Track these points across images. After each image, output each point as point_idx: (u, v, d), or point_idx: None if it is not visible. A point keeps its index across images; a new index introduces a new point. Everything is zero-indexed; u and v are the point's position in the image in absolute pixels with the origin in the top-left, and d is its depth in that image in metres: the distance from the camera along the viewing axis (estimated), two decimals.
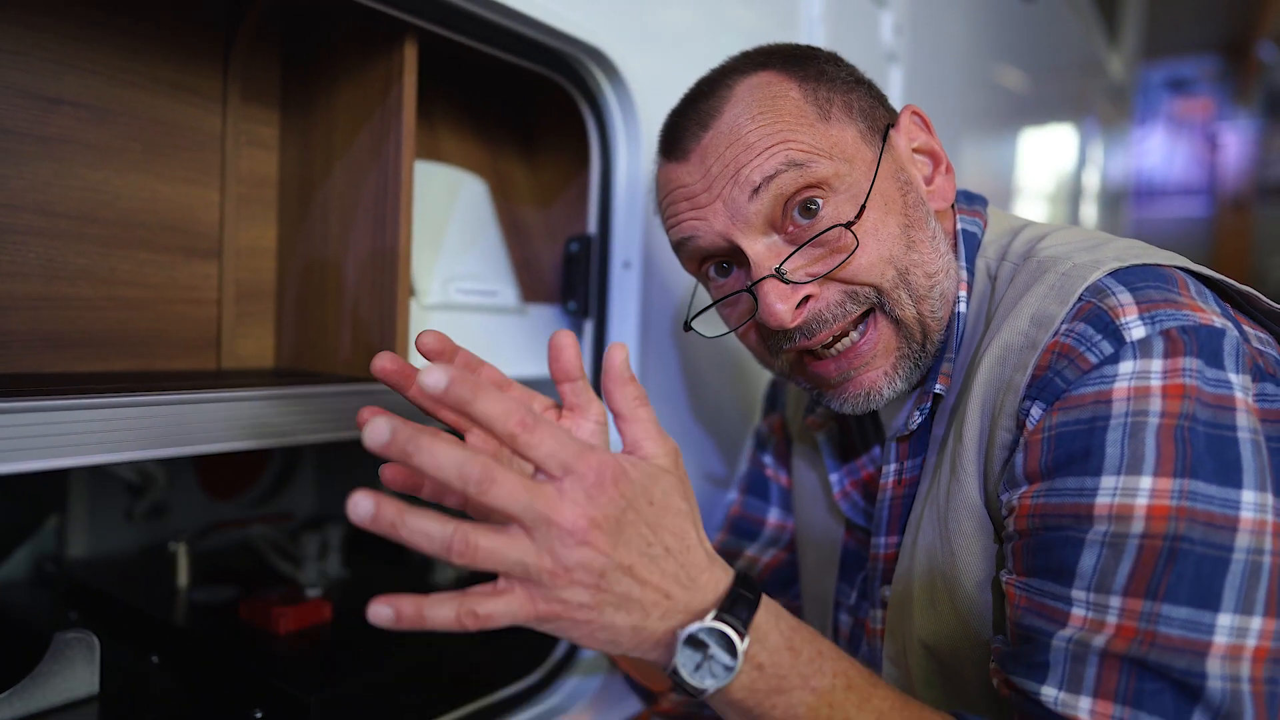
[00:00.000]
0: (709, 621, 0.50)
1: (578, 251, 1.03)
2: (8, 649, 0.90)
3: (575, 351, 0.57)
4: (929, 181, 0.73)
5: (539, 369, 1.05)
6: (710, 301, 0.75)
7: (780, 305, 0.66)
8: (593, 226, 1.01)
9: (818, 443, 0.86)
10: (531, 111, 1.30)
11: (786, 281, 0.66)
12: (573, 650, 1.01)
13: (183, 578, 1.07)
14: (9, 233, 0.80)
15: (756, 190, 0.65)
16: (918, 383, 0.74)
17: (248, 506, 1.32)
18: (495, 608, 0.46)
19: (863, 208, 0.65)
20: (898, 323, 0.68)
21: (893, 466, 0.74)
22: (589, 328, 1.03)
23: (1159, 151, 6.83)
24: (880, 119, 0.71)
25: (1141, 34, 4.70)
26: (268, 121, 1.02)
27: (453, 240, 1.04)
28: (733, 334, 0.75)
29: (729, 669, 0.50)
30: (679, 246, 0.73)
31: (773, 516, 0.99)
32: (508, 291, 1.08)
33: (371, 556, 1.30)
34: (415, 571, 1.23)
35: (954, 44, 1.84)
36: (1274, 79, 6.30)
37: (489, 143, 1.24)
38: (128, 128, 0.88)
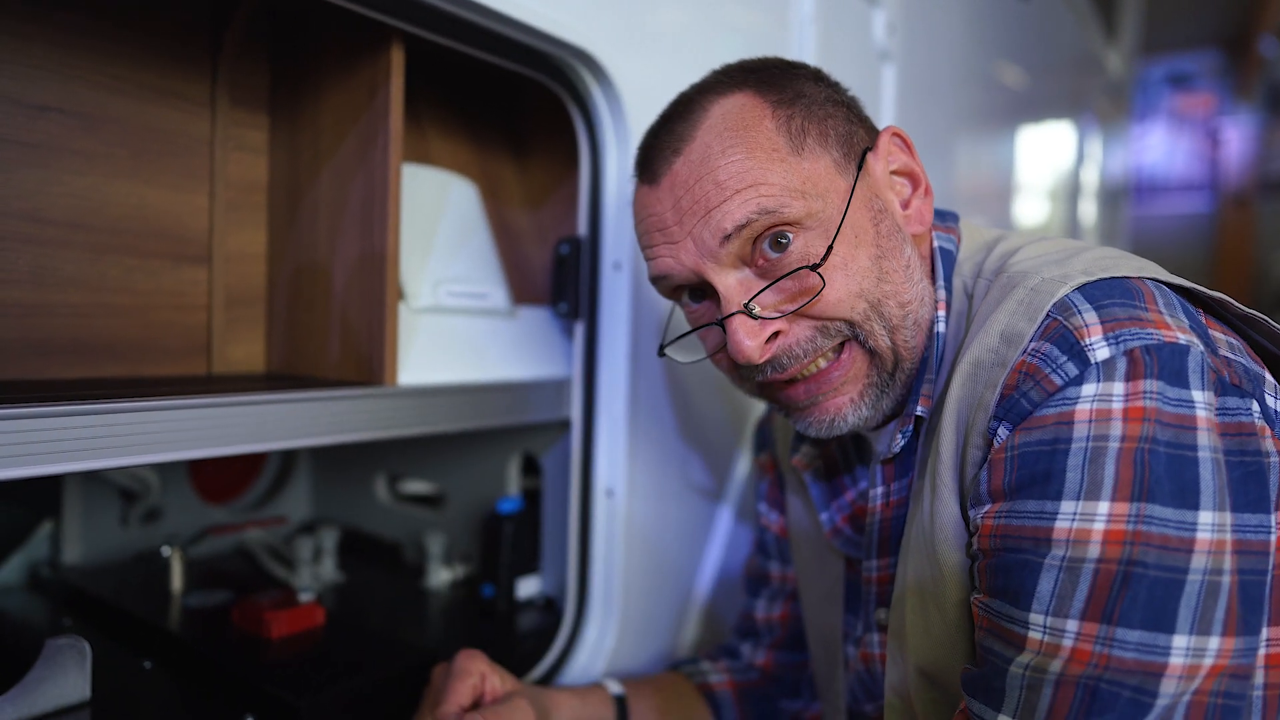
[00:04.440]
0: None
1: (568, 253, 1.03)
2: (0, 656, 0.90)
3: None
4: (906, 205, 0.72)
5: (528, 372, 1.05)
6: (685, 327, 0.76)
7: (748, 342, 0.66)
8: (583, 228, 1.01)
9: (805, 483, 0.86)
10: (521, 113, 1.30)
11: (755, 317, 0.66)
12: (564, 656, 1.01)
13: (177, 583, 1.08)
14: None
15: (728, 236, 0.66)
16: (899, 407, 0.73)
17: (242, 511, 1.32)
18: None
19: (829, 249, 0.65)
20: (872, 352, 0.69)
21: (880, 489, 0.74)
22: (580, 329, 1.03)
23: (1160, 148, 6.81)
24: (858, 143, 0.70)
25: (1140, 30, 4.69)
26: (256, 126, 1.02)
27: (442, 243, 1.04)
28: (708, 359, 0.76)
29: None
30: (654, 281, 0.73)
31: (774, 569, 1.00)
32: (498, 294, 1.08)
33: (366, 561, 1.30)
34: (409, 576, 1.23)
35: (948, 42, 1.83)
36: (1275, 73, 6.28)
37: (478, 145, 1.24)
38: (115, 134, 0.89)
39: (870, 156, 0.71)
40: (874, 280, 0.67)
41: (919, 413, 0.69)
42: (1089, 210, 3.62)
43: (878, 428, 0.77)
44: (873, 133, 0.73)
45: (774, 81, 0.69)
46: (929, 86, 1.72)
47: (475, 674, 0.78)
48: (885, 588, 0.75)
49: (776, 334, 0.67)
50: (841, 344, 0.69)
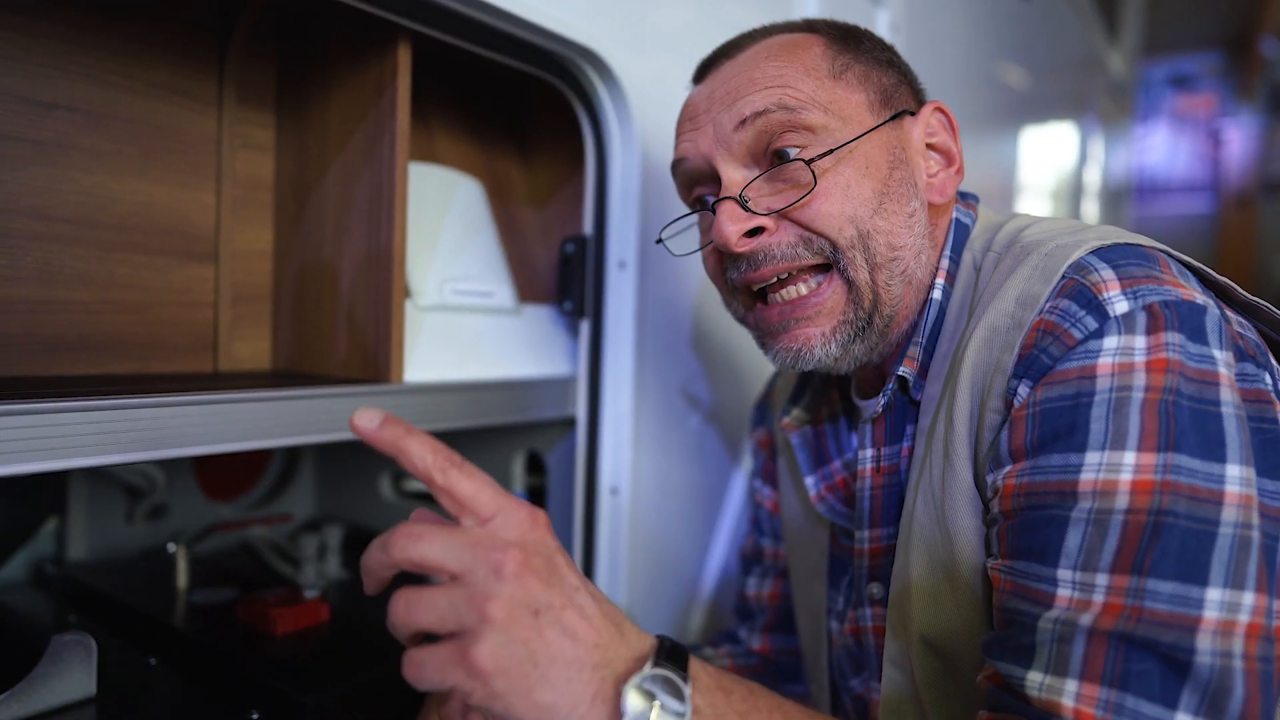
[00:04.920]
0: (652, 669, 0.48)
1: (573, 252, 1.03)
2: (6, 651, 0.91)
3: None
4: (933, 176, 0.74)
5: (533, 370, 1.05)
6: (690, 221, 0.79)
7: (730, 226, 0.67)
8: (588, 227, 1.01)
9: (793, 446, 0.86)
10: (526, 112, 1.30)
11: (746, 208, 0.68)
12: None
13: (182, 579, 1.08)
14: (5, 237, 0.80)
15: (744, 122, 0.68)
16: (879, 366, 0.75)
17: (247, 508, 1.33)
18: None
19: (829, 151, 0.67)
20: (850, 285, 0.69)
21: (869, 452, 0.74)
22: (585, 328, 1.03)
23: (1162, 148, 6.81)
24: (899, 101, 0.72)
25: (1142, 31, 4.69)
26: (263, 124, 1.02)
27: (448, 241, 1.04)
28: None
29: (680, 715, 0.48)
30: (674, 169, 0.75)
31: (767, 545, 1.00)
32: (504, 292, 1.08)
33: None
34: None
35: (951, 42, 1.83)
36: (1277, 74, 6.28)
37: (484, 143, 1.25)
38: (123, 132, 0.89)
39: (909, 119, 0.73)
40: (869, 211, 0.68)
41: (901, 372, 0.70)
42: (1091, 210, 3.62)
43: (850, 379, 0.79)
44: (920, 104, 0.75)
45: (839, 31, 0.73)
46: (932, 86, 1.71)
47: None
48: (878, 560, 0.75)
49: (762, 231, 0.69)
50: (824, 270, 0.70)
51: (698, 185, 0.75)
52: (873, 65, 0.72)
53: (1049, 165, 2.87)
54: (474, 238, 1.09)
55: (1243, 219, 6.42)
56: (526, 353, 1.06)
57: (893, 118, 0.71)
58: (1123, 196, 4.72)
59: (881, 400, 0.71)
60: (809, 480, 0.84)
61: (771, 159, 0.69)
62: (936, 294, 0.71)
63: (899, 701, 0.71)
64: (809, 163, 0.67)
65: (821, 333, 0.70)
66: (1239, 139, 6.52)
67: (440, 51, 0.93)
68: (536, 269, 1.22)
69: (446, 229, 1.05)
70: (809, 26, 0.74)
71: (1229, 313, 0.61)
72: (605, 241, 1.01)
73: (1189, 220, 6.61)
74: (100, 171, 0.87)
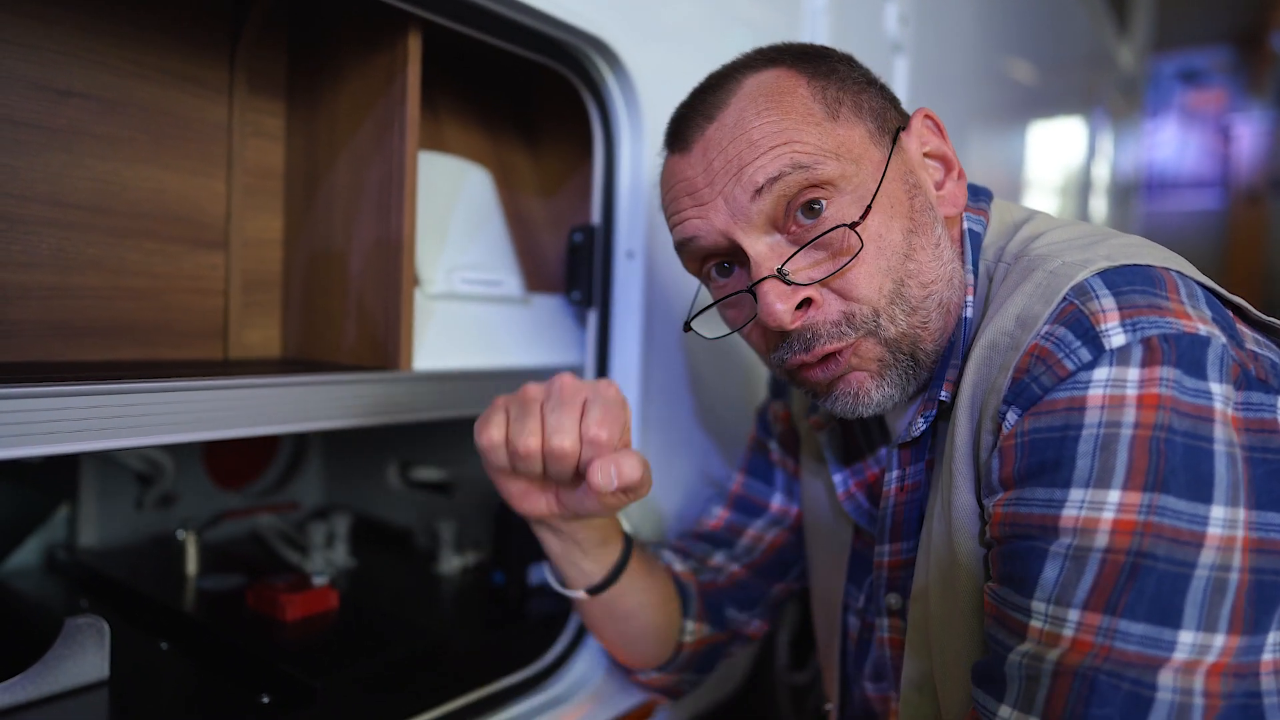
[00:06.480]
0: None
1: (581, 241, 1.03)
2: (20, 634, 0.92)
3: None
4: (939, 187, 0.72)
5: (541, 359, 1.05)
6: (711, 301, 0.74)
7: (780, 305, 0.64)
8: (596, 216, 1.02)
9: (820, 443, 0.85)
10: (535, 101, 1.31)
11: (788, 282, 0.64)
12: (576, 640, 1.01)
13: (191, 566, 1.09)
14: (22, 223, 0.81)
15: (759, 190, 0.64)
16: (920, 389, 0.72)
17: (255, 497, 1.34)
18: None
19: (868, 209, 0.64)
20: (884, 341, 0.67)
21: (895, 474, 0.73)
22: (593, 317, 1.03)
23: (1171, 144, 6.77)
24: (891, 121, 0.70)
25: (1152, 25, 4.66)
26: (273, 113, 1.03)
27: (457, 230, 1.05)
28: (735, 335, 0.73)
29: None
30: (681, 247, 0.71)
31: (776, 501, 0.98)
32: (511, 281, 1.09)
33: (377, 547, 1.31)
34: (420, 562, 1.24)
35: (960, 35, 1.83)
36: None
37: (493, 133, 1.25)
38: (136, 119, 0.89)
39: (903, 135, 0.70)
40: (900, 257, 0.66)
41: (942, 397, 0.68)
42: (1100, 206, 3.61)
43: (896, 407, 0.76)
44: (904, 115, 0.73)
45: (807, 58, 0.70)
46: (941, 79, 1.71)
47: (628, 411, 0.69)
48: (896, 573, 0.75)
49: (809, 301, 0.65)
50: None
51: (711, 258, 0.71)
52: (858, 90, 0.68)
53: (1057, 160, 2.86)
54: (483, 227, 1.09)
55: (1252, 215, 6.38)
56: (534, 342, 1.06)
57: (894, 143, 0.68)
58: (1131, 192, 4.70)
59: (922, 426, 0.69)
60: (837, 478, 0.82)
61: (794, 218, 0.66)
62: (969, 311, 0.69)
63: None
64: (853, 226, 0.63)
65: (871, 374, 0.68)
66: (1249, 135, 6.48)
67: (449, 40, 0.93)
68: (544, 258, 1.23)
69: (455, 218, 1.06)
70: (774, 59, 0.69)
71: (1246, 332, 0.59)
72: (613, 231, 1.01)
73: (1198, 216, 6.58)
74: (113, 158, 0.88)
